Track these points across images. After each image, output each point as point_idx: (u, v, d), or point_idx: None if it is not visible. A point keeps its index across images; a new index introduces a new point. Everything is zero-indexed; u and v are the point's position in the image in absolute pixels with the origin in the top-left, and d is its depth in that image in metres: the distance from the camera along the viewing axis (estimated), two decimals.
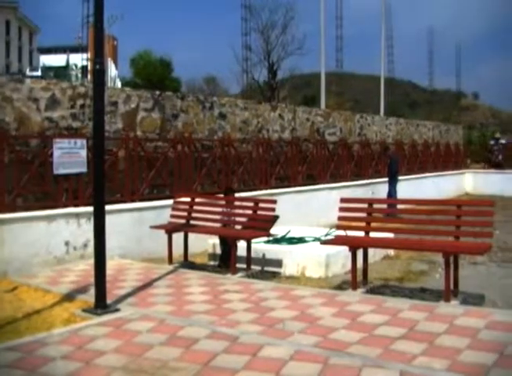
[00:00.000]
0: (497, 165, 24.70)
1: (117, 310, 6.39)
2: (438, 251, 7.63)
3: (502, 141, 25.81)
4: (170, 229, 9.50)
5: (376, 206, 8.68)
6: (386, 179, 17.23)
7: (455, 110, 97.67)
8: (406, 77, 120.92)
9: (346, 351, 5.01)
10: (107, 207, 6.88)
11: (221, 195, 10.67)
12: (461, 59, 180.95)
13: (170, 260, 9.46)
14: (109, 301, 6.50)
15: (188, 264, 9.54)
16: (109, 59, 31.35)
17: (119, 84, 32.39)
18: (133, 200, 10.78)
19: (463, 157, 26.04)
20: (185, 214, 9.83)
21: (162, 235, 9.47)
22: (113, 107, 11.53)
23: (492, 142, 25.55)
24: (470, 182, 24.57)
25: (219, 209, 9.73)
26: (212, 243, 10.02)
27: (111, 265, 8.30)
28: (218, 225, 9.65)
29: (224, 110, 14.37)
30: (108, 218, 6.71)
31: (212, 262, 9.98)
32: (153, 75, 42.33)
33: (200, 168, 12.61)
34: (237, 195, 10.70)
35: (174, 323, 5.89)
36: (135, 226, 10.25)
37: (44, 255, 8.97)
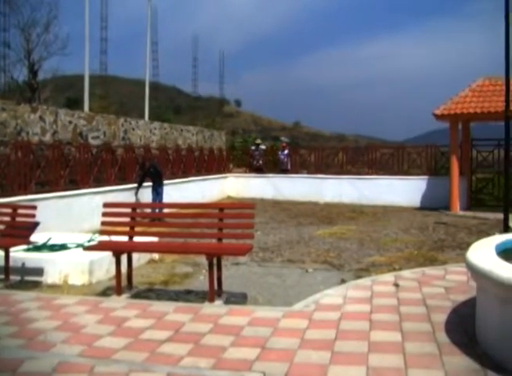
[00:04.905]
0: (258, 169, 25.95)
1: None
2: (201, 254, 7.87)
3: (263, 146, 27.17)
4: None
5: (140, 210, 8.69)
6: (150, 184, 17.33)
7: (218, 117, 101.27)
8: (171, 83, 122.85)
9: (112, 358, 4.98)
10: None
11: None
12: (225, 68, 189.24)
13: None
14: None
15: None
16: None
17: None
18: None
19: (226, 161, 27.04)
20: None
21: None
22: None
23: (253, 148, 26.76)
24: (233, 185, 25.54)
25: None
26: None
27: None
28: None
29: None
30: None
31: None
32: None
33: None
34: None
35: None
36: None
37: None
